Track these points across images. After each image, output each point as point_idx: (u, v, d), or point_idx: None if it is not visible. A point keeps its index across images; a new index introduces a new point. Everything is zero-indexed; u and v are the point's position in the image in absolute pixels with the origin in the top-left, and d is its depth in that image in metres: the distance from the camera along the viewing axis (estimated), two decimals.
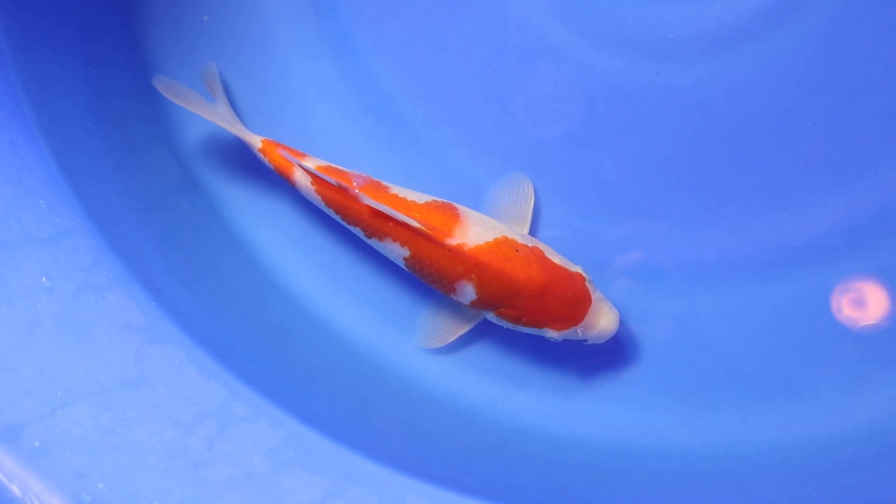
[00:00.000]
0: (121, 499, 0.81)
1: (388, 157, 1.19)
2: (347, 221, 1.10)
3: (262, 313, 1.14)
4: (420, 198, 1.09)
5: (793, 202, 1.15)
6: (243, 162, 1.19)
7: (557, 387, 1.15)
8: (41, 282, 0.92)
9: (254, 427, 0.94)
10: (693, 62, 1.18)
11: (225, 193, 1.19)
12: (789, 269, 1.15)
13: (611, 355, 1.13)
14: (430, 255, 1.05)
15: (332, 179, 1.07)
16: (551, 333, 1.06)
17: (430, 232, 1.04)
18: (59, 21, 1.10)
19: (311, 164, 1.10)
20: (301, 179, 1.10)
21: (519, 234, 1.09)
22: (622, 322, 1.08)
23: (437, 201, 1.09)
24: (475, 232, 1.05)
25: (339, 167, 1.11)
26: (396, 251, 1.07)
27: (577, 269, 1.07)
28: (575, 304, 1.04)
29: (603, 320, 1.05)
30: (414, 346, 1.15)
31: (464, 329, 1.12)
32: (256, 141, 1.12)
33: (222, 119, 1.13)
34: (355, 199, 1.06)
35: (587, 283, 1.06)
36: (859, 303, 1.13)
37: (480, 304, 1.06)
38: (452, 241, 1.04)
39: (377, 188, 1.09)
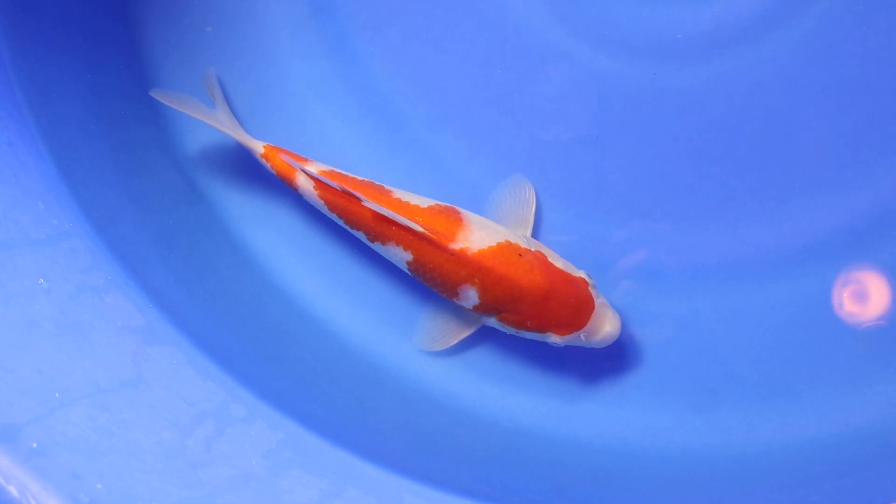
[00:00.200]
0: (118, 500, 0.81)
1: (386, 159, 1.19)
2: (350, 225, 1.10)
3: (260, 315, 1.14)
4: (423, 202, 1.09)
5: (791, 203, 1.15)
6: (242, 164, 1.20)
7: (556, 388, 1.14)
8: (39, 283, 0.92)
9: (252, 428, 0.94)
10: (691, 63, 1.18)
11: (223, 195, 1.19)
12: (788, 271, 1.14)
13: (610, 357, 1.13)
14: (433, 259, 1.05)
15: (335, 184, 1.07)
16: (554, 339, 1.06)
17: (433, 236, 1.04)
18: (58, 23, 1.10)
19: (313, 168, 1.10)
20: (304, 184, 1.10)
21: (522, 238, 1.09)
22: (621, 324, 1.08)
23: (441, 205, 1.09)
24: (478, 236, 1.05)
25: (342, 171, 1.11)
26: (399, 255, 1.07)
27: (581, 273, 1.07)
28: (578, 309, 1.04)
29: (606, 326, 1.05)
30: (412, 347, 1.15)
31: (465, 333, 1.12)
32: (258, 146, 1.13)
33: (223, 124, 1.14)
34: (358, 203, 1.06)
35: (590, 288, 1.06)
36: (858, 303, 1.13)
37: (483, 308, 1.06)
38: (455, 246, 1.04)
39: (380, 192, 1.09)
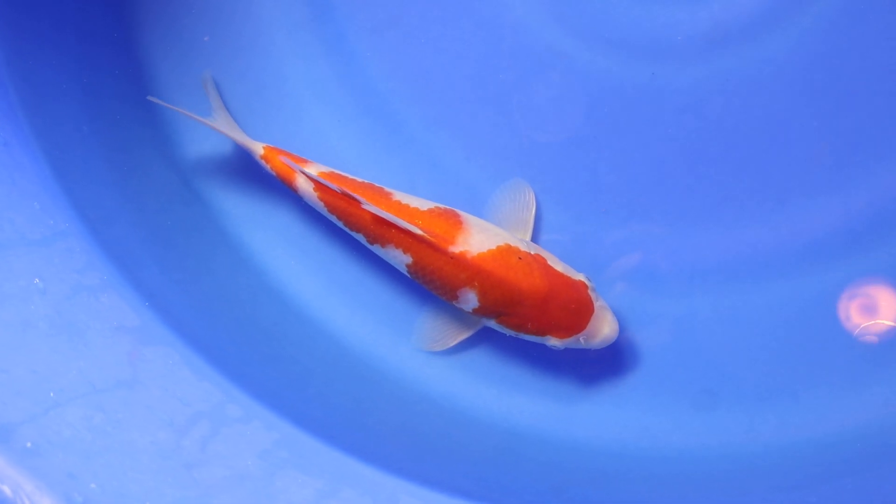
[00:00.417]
0: (113, 499, 0.81)
1: (383, 159, 1.19)
2: (350, 227, 1.10)
3: (256, 315, 1.13)
4: (423, 204, 1.09)
5: (789, 204, 1.15)
6: (238, 165, 1.19)
7: (554, 389, 1.14)
8: (34, 283, 0.92)
9: (247, 429, 0.94)
10: (688, 63, 1.18)
11: (219, 196, 1.19)
12: (786, 271, 1.14)
13: (607, 358, 1.12)
14: (432, 262, 1.05)
15: (334, 186, 1.07)
16: (553, 341, 1.05)
17: (432, 239, 1.04)
18: (53, 23, 1.10)
19: (313, 170, 1.10)
20: (303, 185, 1.10)
21: (522, 241, 1.09)
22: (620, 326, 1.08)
23: (440, 208, 1.09)
24: (478, 239, 1.05)
25: (342, 173, 1.11)
26: (399, 258, 1.07)
27: (580, 276, 1.07)
28: (578, 312, 1.04)
29: (605, 329, 1.05)
30: (409, 348, 1.15)
31: (465, 335, 1.12)
32: (258, 147, 1.12)
33: (222, 126, 1.14)
34: (358, 205, 1.06)
35: (590, 291, 1.06)
36: (856, 304, 1.13)
37: (483, 311, 1.06)
38: (455, 249, 1.04)
39: (380, 194, 1.09)
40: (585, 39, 1.19)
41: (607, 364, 1.13)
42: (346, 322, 1.17)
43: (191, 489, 0.85)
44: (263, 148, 1.12)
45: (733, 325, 1.14)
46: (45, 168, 1.02)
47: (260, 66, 1.21)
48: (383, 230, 1.07)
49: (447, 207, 1.09)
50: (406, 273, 1.09)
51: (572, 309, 1.04)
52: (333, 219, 1.11)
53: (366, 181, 1.11)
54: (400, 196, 1.09)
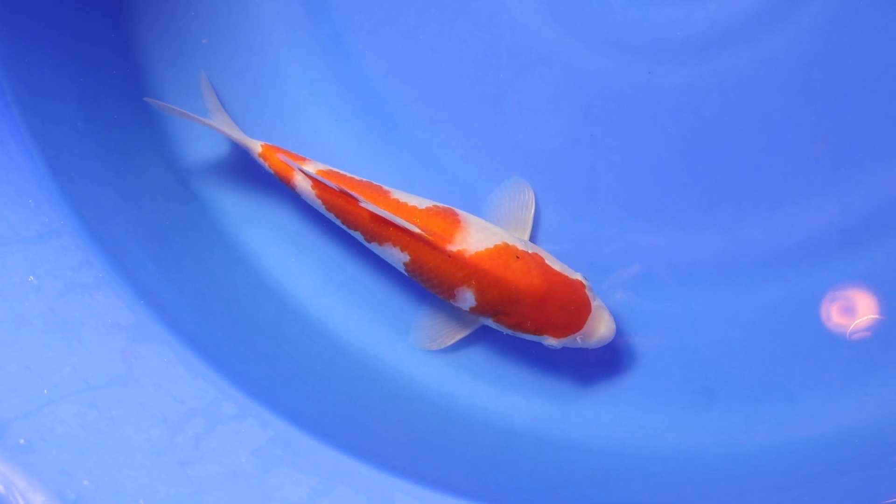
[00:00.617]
0: (106, 496, 0.81)
1: (380, 158, 1.19)
2: (348, 225, 1.10)
3: (252, 313, 1.13)
4: (421, 203, 1.09)
5: (785, 203, 1.15)
6: (234, 163, 1.19)
7: (549, 388, 1.14)
8: (28, 280, 0.92)
9: (242, 426, 0.94)
10: (685, 63, 1.18)
11: (215, 194, 1.19)
12: (782, 271, 1.14)
13: (603, 357, 1.12)
14: (430, 260, 1.05)
15: (332, 184, 1.07)
16: (550, 340, 1.05)
17: (430, 238, 1.04)
18: (49, 22, 1.10)
19: (311, 168, 1.10)
20: (301, 183, 1.10)
21: (520, 240, 1.08)
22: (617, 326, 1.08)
23: (438, 206, 1.09)
24: (476, 238, 1.05)
25: (340, 171, 1.11)
26: (396, 256, 1.07)
27: (578, 276, 1.07)
28: (575, 311, 1.04)
29: (602, 328, 1.05)
30: (405, 346, 1.15)
31: (462, 333, 1.12)
32: (256, 146, 1.13)
33: (220, 126, 1.13)
34: (356, 203, 1.06)
35: (587, 291, 1.06)
36: (851, 304, 1.13)
37: (480, 310, 1.06)
38: (453, 248, 1.04)
39: (378, 193, 1.09)
40: (583, 39, 1.19)
41: (603, 363, 1.13)
42: (343, 320, 1.17)
43: (184, 486, 0.85)
44: (262, 146, 1.12)
45: (729, 325, 1.14)
46: (40, 166, 1.02)
47: (257, 66, 1.21)
48: (381, 228, 1.07)
49: (445, 206, 1.09)
50: (403, 271, 1.09)
51: (569, 308, 1.04)
52: (331, 217, 1.11)
53: (364, 179, 1.11)
54: (398, 194, 1.09)
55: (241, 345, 1.08)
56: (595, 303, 1.06)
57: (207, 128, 1.15)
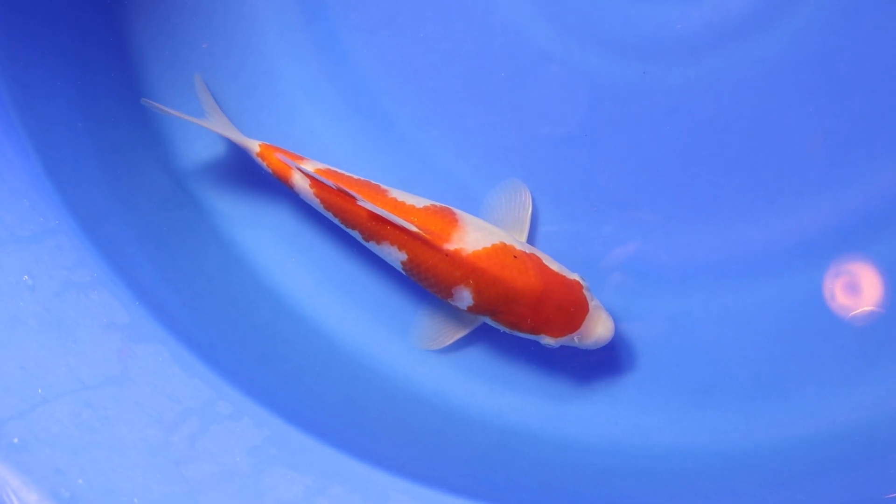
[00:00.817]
0: (100, 495, 0.81)
1: (375, 158, 1.19)
2: (346, 224, 1.10)
3: (248, 312, 1.14)
4: (419, 202, 1.09)
5: (780, 202, 1.15)
6: (230, 162, 1.20)
7: (545, 387, 1.14)
8: (23, 280, 0.92)
9: (237, 425, 0.94)
10: (680, 63, 1.18)
11: (211, 194, 1.19)
12: (777, 269, 1.14)
13: (599, 355, 1.12)
14: (427, 259, 1.05)
15: (330, 182, 1.07)
16: (548, 340, 1.05)
17: (427, 237, 1.04)
18: (44, 22, 1.10)
19: (309, 167, 1.10)
20: (300, 182, 1.10)
21: (517, 240, 1.09)
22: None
23: (436, 206, 1.09)
24: (473, 237, 1.05)
25: (338, 170, 1.11)
26: (394, 255, 1.07)
27: (575, 276, 1.07)
28: (572, 311, 1.04)
29: (600, 328, 1.05)
30: (401, 345, 1.15)
31: (461, 333, 1.12)
32: (254, 145, 1.13)
33: (217, 126, 1.13)
34: (354, 202, 1.06)
35: (584, 291, 1.06)
36: (846, 302, 1.13)
37: (477, 309, 1.06)
38: (450, 247, 1.04)
39: (376, 192, 1.09)
40: (577, 39, 1.19)
41: (599, 362, 1.14)
42: (339, 319, 1.17)
43: (179, 485, 0.85)
44: (260, 146, 1.13)
45: (724, 324, 1.14)
46: (36, 166, 1.02)
47: (252, 66, 1.21)
48: (379, 227, 1.07)
49: (443, 205, 1.10)
50: (401, 270, 1.09)
51: (567, 308, 1.04)
52: (329, 216, 1.11)
53: (362, 178, 1.11)
54: (396, 193, 1.09)
55: (236, 344, 1.08)
56: (593, 303, 1.06)
57: (204, 128, 1.15)
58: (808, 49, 1.16)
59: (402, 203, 1.08)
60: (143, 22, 1.20)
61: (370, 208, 1.05)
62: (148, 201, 1.14)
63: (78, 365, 0.89)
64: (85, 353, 0.91)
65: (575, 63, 1.19)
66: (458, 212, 1.09)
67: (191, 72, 1.20)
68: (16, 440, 0.80)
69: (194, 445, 0.89)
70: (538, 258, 1.06)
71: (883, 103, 1.15)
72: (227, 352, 1.04)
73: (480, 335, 1.14)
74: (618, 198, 1.17)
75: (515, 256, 1.05)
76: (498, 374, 1.15)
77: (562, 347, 1.07)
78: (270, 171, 1.12)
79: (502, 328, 1.08)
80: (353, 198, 1.06)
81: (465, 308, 1.07)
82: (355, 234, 1.10)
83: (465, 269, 1.04)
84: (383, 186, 1.10)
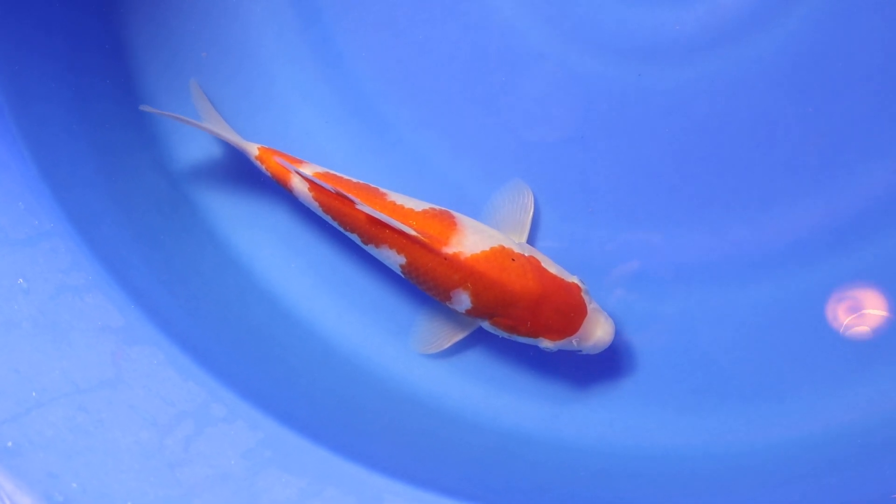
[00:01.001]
0: (94, 499, 0.81)
1: (371, 160, 1.19)
2: (344, 228, 1.10)
3: (243, 314, 1.14)
4: (417, 205, 1.09)
5: (773, 204, 1.15)
6: (226, 164, 1.20)
7: (540, 389, 1.14)
8: (18, 283, 0.92)
9: (232, 428, 0.94)
10: (675, 65, 1.18)
11: (207, 195, 1.19)
12: (770, 271, 1.15)
13: (594, 357, 1.12)
14: (426, 263, 1.05)
15: (329, 186, 1.07)
16: (546, 343, 1.06)
17: (426, 240, 1.04)
18: (39, 25, 1.10)
19: (308, 170, 1.10)
20: (298, 186, 1.10)
21: (516, 243, 1.09)
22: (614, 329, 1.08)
23: (435, 209, 1.09)
24: (472, 241, 1.05)
25: (337, 173, 1.11)
26: (393, 258, 1.07)
27: (574, 278, 1.07)
28: (571, 314, 1.04)
29: (599, 331, 1.05)
30: (397, 347, 1.15)
31: (459, 336, 1.12)
32: (253, 149, 1.13)
33: (217, 129, 1.13)
34: (352, 205, 1.06)
35: (583, 294, 1.06)
36: (839, 304, 1.13)
37: (476, 312, 1.06)
38: (449, 250, 1.04)
39: (375, 195, 1.09)
40: (572, 41, 1.19)
41: (594, 364, 1.14)
42: (334, 321, 1.17)
43: (173, 488, 0.85)
44: (258, 149, 1.13)
45: (718, 326, 1.14)
46: (30, 168, 1.01)
47: (248, 68, 1.21)
48: (377, 231, 1.07)
49: (442, 208, 1.10)
50: (400, 273, 1.09)
51: (565, 311, 1.04)
52: (328, 219, 1.11)
53: (361, 181, 1.11)
54: (395, 197, 1.09)
55: (231, 346, 1.08)
56: (591, 306, 1.06)
57: (201, 130, 1.15)
58: (802, 51, 1.16)
59: (401, 206, 1.08)
60: (138, 25, 1.20)
61: (369, 212, 1.05)
62: (143, 203, 1.14)
63: (72, 368, 0.89)
64: (79, 356, 0.91)
65: (570, 65, 1.19)
66: (457, 215, 1.09)
67: (187, 74, 1.20)
68: (10, 444, 0.81)
69: (189, 448, 0.89)
70: (537, 261, 1.06)
71: (876, 105, 1.15)
72: (221, 354, 1.04)
73: (476, 338, 1.14)
74: (613, 199, 1.17)
75: (514, 259, 1.05)
76: (494, 376, 1.15)
77: (559, 350, 1.07)
78: (269, 174, 1.12)
79: (501, 333, 1.08)
80: (352, 202, 1.06)
81: (464, 311, 1.07)
82: (354, 237, 1.10)
83: (463, 272, 1.04)
84: (382, 190, 1.10)
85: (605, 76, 1.18)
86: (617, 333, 1.13)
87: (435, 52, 1.20)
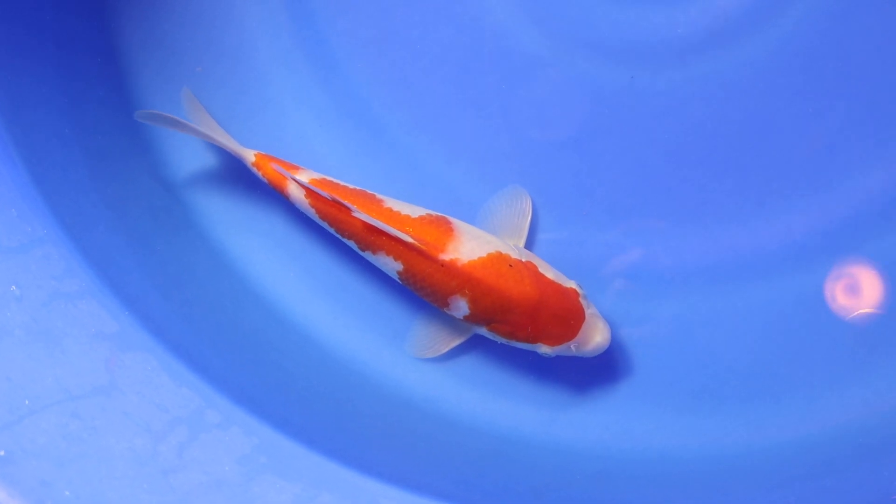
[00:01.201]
0: None
1: (365, 163, 1.19)
2: (341, 234, 1.10)
3: (238, 320, 1.13)
4: (414, 211, 1.09)
5: (768, 206, 1.15)
6: (219, 169, 1.19)
7: (536, 392, 1.14)
8: (10, 290, 0.92)
9: (226, 434, 0.94)
10: (668, 67, 1.18)
11: (201, 201, 1.19)
12: (765, 273, 1.14)
13: (589, 360, 1.12)
14: (423, 269, 1.05)
15: (325, 193, 1.07)
16: (544, 349, 1.05)
17: (423, 247, 1.04)
18: (30, 30, 1.10)
19: (304, 177, 1.10)
20: (295, 192, 1.10)
21: (514, 248, 1.08)
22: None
23: (432, 215, 1.09)
24: (469, 247, 1.05)
25: (334, 180, 1.11)
26: (390, 265, 1.07)
27: (571, 284, 1.07)
28: (568, 319, 1.04)
29: (597, 336, 1.05)
30: (392, 351, 1.15)
31: (457, 341, 1.12)
32: (250, 155, 1.12)
33: (213, 135, 1.13)
34: (349, 212, 1.06)
35: (581, 299, 1.06)
36: (835, 305, 1.13)
37: (473, 318, 1.06)
38: (446, 257, 1.04)
39: (371, 202, 1.09)
40: (565, 43, 1.19)
41: (589, 367, 1.13)
42: (330, 326, 1.17)
43: (167, 495, 0.85)
44: (255, 155, 1.12)
45: (714, 327, 1.14)
46: (22, 175, 1.01)
47: (242, 72, 1.21)
48: (374, 238, 1.07)
49: (439, 214, 1.09)
50: (397, 280, 1.09)
51: (563, 316, 1.04)
52: (325, 225, 1.11)
53: (358, 188, 1.11)
54: (391, 203, 1.09)
55: (226, 352, 1.08)
56: (589, 311, 1.06)
57: (195, 135, 1.14)
58: (797, 52, 1.16)
59: (398, 213, 1.08)
60: (131, 29, 1.20)
61: (365, 219, 1.05)
62: (137, 209, 1.14)
63: (65, 375, 0.89)
64: (72, 363, 0.91)
65: (564, 67, 1.19)
66: (454, 221, 1.09)
67: (180, 79, 1.19)
68: (2, 452, 0.80)
69: (183, 455, 0.89)
70: (534, 266, 1.06)
71: (871, 105, 1.15)
72: (216, 360, 1.04)
73: (472, 342, 1.14)
74: (606, 202, 1.17)
75: (511, 265, 1.05)
76: (489, 380, 1.15)
77: (560, 356, 1.07)
78: (266, 180, 1.12)
79: (499, 339, 1.08)
80: (349, 209, 1.06)
81: (462, 317, 1.07)
82: (351, 244, 1.10)
83: (460, 279, 1.04)
84: (378, 196, 1.10)
85: (598, 78, 1.18)
86: (613, 336, 1.13)
87: (428, 54, 1.20)
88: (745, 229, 1.15)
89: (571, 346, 1.05)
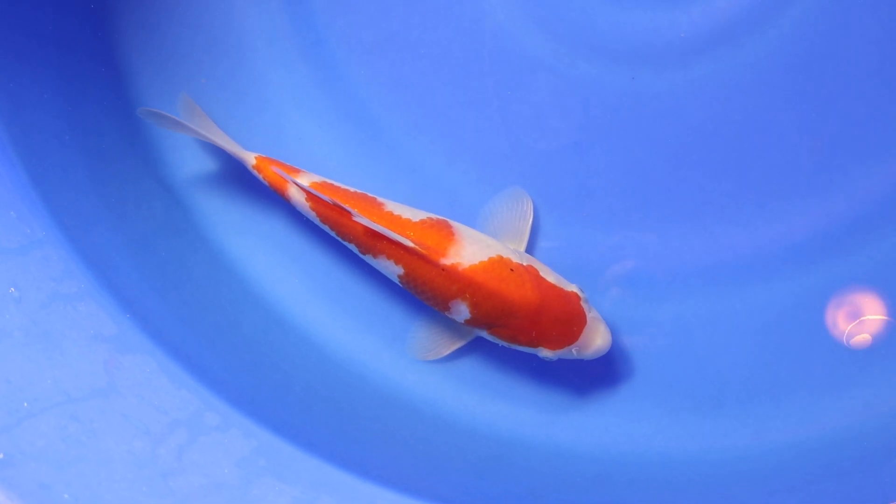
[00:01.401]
0: None
1: (364, 165, 1.19)
2: (342, 238, 1.10)
3: (237, 322, 1.13)
4: (415, 215, 1.08)
5: (768, 207, 1.15)
6: (219, 171, 1.19)
7: (535, 395, 1.14)
8: (9, 292, 0.92)
9: (225, 437, 0.94)
10: (669, 68, 1.18)
11: (199, 202, 1.19)
12: (766, 274, 1.14)
13: (589, 363, 1.12)
14: (423, 273, 1.05)
15: (326, 197, 1.06)
16: (546, 353, 1.05)
17: (424, 251, 1.04)
18: (29, 32, 1.10)
19: (305, 180, 1.09)
20: (296, 195, 1.10)
21: (515, 251, 1.08)
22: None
23: (433, 219, 1.09)
24: (469, 251, 1.05)
25: (335, 183, 1.11)
26: (391, 269, 1.07)
27: (573, 287, 1.07)
28: (570, 323, 1.04)
29: (598, 340, 1.05)
30: (391, 354, 1.15)
31: (458, 344, 1.12)
32: (250, 158, 1.12)
33: (214, 138, 1.13)
34: (350, 216, 1.06)
35: (582, 302, 1.06)
36: (836, 308, 1.13)
37: (475, 322, 1.06)
38: (447, 261, 1.04)
39: (372, 205, 1.08)
40: (566, 44, 1.19)
41: (589, 370, 1.13)
42: (329, 328, 1.16)
43: (166, 498, 0.85)
44: (256, 158, 1.12)
45: (714, 330, 1.14)
46: (21, 176, 1.01)
47: (241, 74, 1.21)
48: (375, 241, 1.06)
49: (440, 218, 1.09)
50: (398, 283, 1.09)
51: (564, 320, 1.04)
52: (326, 229, 1.11)
53: (359, 191, 1.11)
54: (392, 207, 1.09)
55: (225, 354, 1.08)
56: (590, 314, 1.06)
57: (195, 137, 1.14)
58: (797, 53, 1.16)
59: (399, 217, 1.08)
60: (130, 31, 1.20)
61: (366, 223, 1.05)
62: (136, 210, 1.14)
63: (64, 377, 0.89)
64: (71, 366, 0.90)
65: (564, 68, 1.19)
66: (455, 224, 1.09)
67: (179, 81, 1.19)
68: (1, 455, 0.80)
69: (182, 458, 0.89)
70: (535, 270, 1.06)
71: (871, 107, 1.15)
72: (215, 362, 1.04)
73: (471, 345, 1.14)
74: (606, 203, 1.17)
75: (512, 269, 1.05)
76: (489, 382, 1.15)
77: (561, 360, 1.07)
78: (266, 183, 1.12)
79: (501, 342, 1.07)
80: (349, 213, 1.06)
81: (463, 321, 1.07)
82: (352, 247, 1.10)
83: (461, 283, 1.04)
84: (379, 200, 1.10)
85: (599, 79, 1.18)
86: (613, 339, 1.13)
87: (428, 56, 1.20)
88: (746, 231, 1.15)
89: (573, 350, 1.05)
